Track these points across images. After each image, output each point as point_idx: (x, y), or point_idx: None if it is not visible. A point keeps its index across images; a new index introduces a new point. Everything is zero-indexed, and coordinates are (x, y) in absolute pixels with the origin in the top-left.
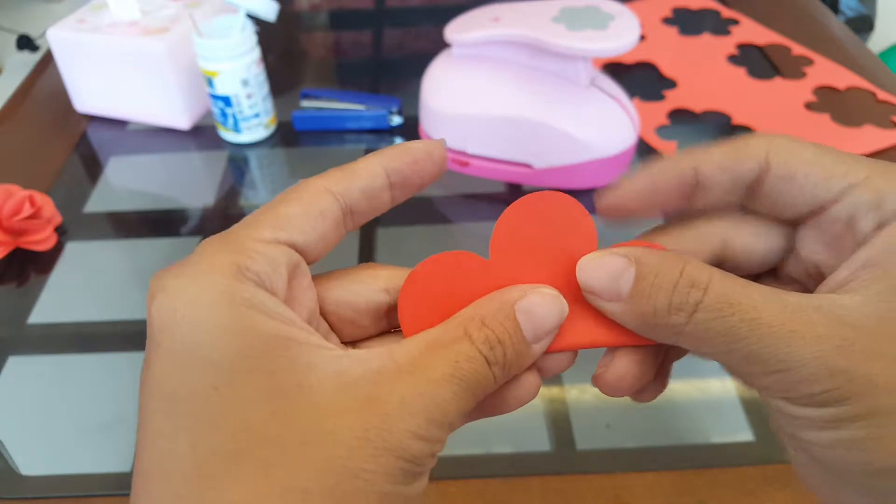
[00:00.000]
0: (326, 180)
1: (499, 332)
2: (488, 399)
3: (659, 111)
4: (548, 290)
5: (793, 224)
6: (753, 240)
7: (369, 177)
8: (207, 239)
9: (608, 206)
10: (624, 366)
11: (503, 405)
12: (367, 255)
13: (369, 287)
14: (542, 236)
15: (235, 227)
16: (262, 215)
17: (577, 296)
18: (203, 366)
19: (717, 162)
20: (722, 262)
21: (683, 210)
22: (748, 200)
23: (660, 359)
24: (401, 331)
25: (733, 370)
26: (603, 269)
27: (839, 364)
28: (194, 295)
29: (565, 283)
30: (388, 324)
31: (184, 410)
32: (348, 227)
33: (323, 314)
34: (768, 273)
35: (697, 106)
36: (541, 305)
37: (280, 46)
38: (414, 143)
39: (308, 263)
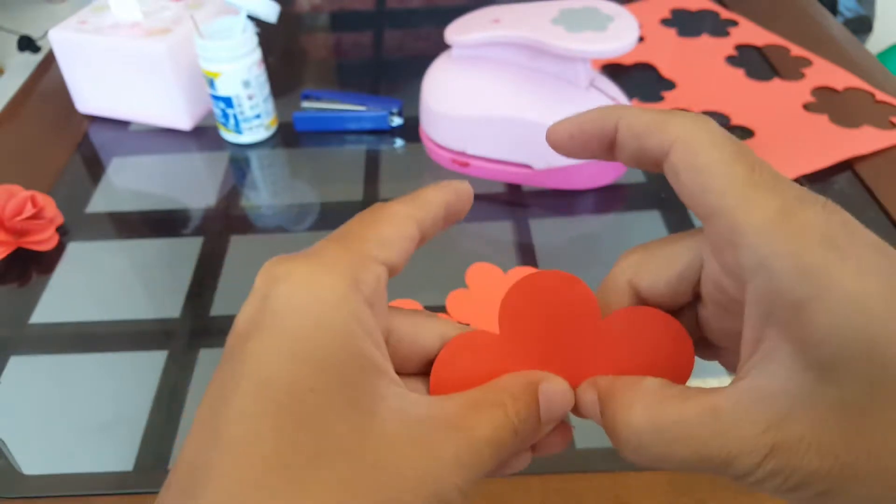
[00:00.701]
0: (408, 207)
1: (525, 408)
2: None
3: None
4: (563, 382)
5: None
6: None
7: (437, 207)
8: (326, 239)
9: (550, 141)
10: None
11: (500, 471)
12: None
13: (432, 332)
14: (548, 313)
15: (346, 233)
16: (368, 231)
17: (579, 371)
18: (307, 362)
19: (632, 127)
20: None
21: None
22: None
23: None
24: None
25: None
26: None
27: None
28: (318, 291)
29: (570, 360)
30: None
31: (278, 399)
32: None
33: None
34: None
35: (696, 106)
36: (557, 393)
37: (281, 47)
38: (459, 184)
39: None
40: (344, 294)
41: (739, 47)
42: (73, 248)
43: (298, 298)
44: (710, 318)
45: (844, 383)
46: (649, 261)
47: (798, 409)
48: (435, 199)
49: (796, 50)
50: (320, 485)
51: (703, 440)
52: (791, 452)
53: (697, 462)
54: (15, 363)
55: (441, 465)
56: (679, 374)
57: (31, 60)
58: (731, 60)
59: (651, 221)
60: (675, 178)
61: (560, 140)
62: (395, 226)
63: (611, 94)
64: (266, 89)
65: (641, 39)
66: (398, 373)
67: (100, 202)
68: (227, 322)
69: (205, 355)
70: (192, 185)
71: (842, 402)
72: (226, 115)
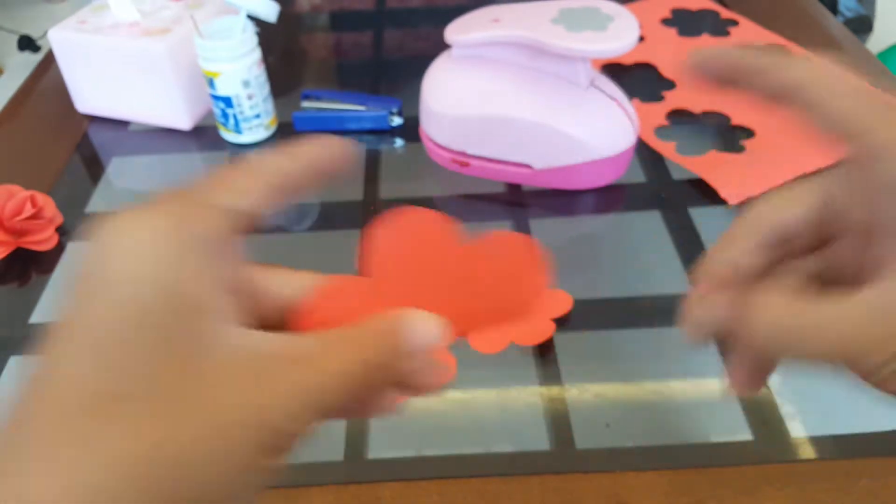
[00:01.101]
0: (265, 158)
1: (381, 341)
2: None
3: (658, 112)
4: (427, 316)
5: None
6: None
7: (302, 156)
8: (162, 193)
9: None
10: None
11: (363, 411)
12: None
13: (296, 284)
14: (411, 250)
15: (192, 185)
16: (213, 180)
17: (445, 301)
18: (128, 308)
19: (755, 67)
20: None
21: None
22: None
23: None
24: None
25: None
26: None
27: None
28: (139, 238)
29: (436, 292)
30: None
31: (96, 344)
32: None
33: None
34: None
35: (696, 107)
36: (418, 325)
37: (281, 47)
38: (329, 138)
39: (244, 233)
40: (165, 239)
41: None
42: (73, 248)
43: (122, 246)
44: (837, 253)
45: None
46: (782, 204)
47: None
48: (299, 150)
49: (797, 50)
50: (128, 418)
51: (839, 338)
52: None
53: (830, 356)
54: (14, 363)
55: (273, 395)
56: (534, 291)
57: (30, 60)
58: None
59: (651, 221)
60: (808, 108)
61: (699, 63)
62: (243, 173)
63: (611, 93)
64: (266, 89)
65: (642, 39)
66: (266, 327)
67: (99, 202)
68: None
69: None
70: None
71: None
72: (225, 115)
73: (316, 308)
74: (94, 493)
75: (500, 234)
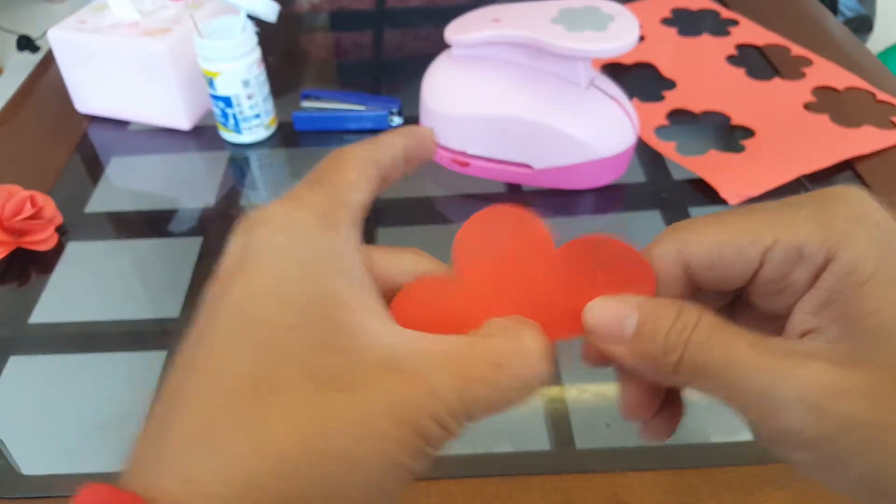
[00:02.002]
0: (368, 151)
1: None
2: None
3: (658, 112)
4: (539, 344)
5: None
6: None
7: (396, 149)
8: (300, 185)
9: None
10: (631, 394)
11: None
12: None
13: (402, 268)
14: (503, 252)
15: (317, 179)
16: (335, 175)
17: (536, 306)
18: (286, 300)
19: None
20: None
21: None
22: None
23: (660, 390)
24: None
25: (729, 405)
26: (609, 313)
27: (814, 400)
28: (297, 232)
29: (526, 295)
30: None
31: (256, 335)
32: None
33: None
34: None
35: (696, 106)
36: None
37: (281, 47)
38: (419, 128)
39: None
40: (321, 233)
41: (740, 47)
42: (73, 248)
43: (277, 239)
44: (758, 294)
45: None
46: (704, 235)
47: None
48: (394, 142)
49: (797, 49)
50: (285, 407)
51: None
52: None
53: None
54: (14, 363)
55: (419, 395)
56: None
57: (30, 60)
58: (731, 60)
59: (651, 221)
60: (708, 271)
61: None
62: (358, 169)
63: (611, 93)
64: (266, 89)
65: (642, 39)
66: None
67: (99, 202)
68: None
69: None
70: (192, 184)
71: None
72: (225, 115)
73: (407, 302)
74: (253, 485)
75: (598, 239)
